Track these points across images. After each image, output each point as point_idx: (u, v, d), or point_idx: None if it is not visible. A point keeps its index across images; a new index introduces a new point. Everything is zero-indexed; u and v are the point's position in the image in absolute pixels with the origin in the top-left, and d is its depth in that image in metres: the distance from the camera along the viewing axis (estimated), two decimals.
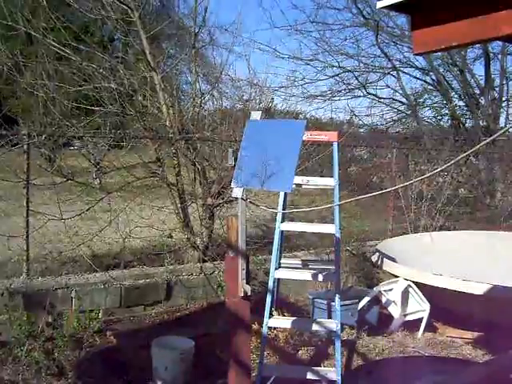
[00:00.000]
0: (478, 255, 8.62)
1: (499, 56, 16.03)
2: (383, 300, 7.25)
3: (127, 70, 8.01)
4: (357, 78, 15.59)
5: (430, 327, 7.20)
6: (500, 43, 14.65)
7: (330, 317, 6.91)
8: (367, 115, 16.56)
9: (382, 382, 4.14)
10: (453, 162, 3.33)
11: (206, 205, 8.17)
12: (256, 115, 4.04)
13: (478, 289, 6.32)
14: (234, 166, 3.76)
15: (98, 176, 9.94)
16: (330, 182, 5.41)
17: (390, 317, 7.20)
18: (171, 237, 8.19)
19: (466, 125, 16.69)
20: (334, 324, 5.34)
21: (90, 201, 7.79)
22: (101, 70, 7.96)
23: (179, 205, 8.23)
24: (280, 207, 5.46)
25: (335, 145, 5.46)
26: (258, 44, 16.57)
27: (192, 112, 8.41)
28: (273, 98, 8.97)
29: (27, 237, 6.85)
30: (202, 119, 8.54)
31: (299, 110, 15.18)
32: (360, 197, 3.59)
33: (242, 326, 4.10)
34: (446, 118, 16.99)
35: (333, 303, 6.74)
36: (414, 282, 7.05)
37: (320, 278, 5.42)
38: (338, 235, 5.40)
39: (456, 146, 14.49)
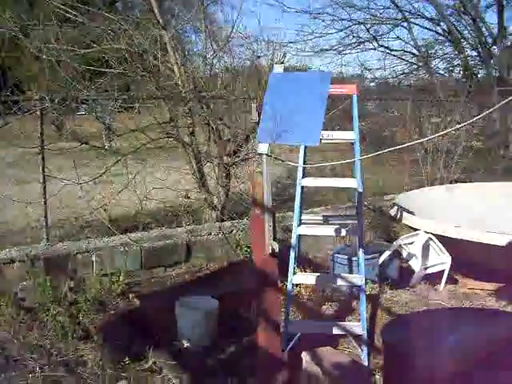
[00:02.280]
0: (494, 207, 8.53)
1: None
2: (403, 254, 7.20)
3: (136, 31, 7.84)
4: (368, 30, 15.30)
5: (451, 280, 7.17)
6: None
7: (350, 272, 6.90)
8: (378, 68, 16.28)
9: (409, 335, 4.09)
10: (476, 118, 3.21)
11: (221, 164, 8.10)
12: (278, 68, 3.92)
13: (500, 240, 6.25)
14: (258, 121, 3.66)
15: (109, 139, 9.89)
16: (351, 135, 5.31)
17: (411, 270, 7.16)
18: (188, 197, 8.15)
19: (479, 75, 16.39)
20: (358, 278, 5.30)
21: (103, 165, 7.73)
22: (108, 31, 7.81)
23: (195, 165, 8.17)
24: (301, 162, 5.36)
25: (355, 97, 5.34)
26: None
27: (203, 70, 8.27)
28: (285, 53, 8.77)
29: (45, 203, 6.81)
30: (214, 77, 8.39)
31: (309, 64, 14.98)
32: (384, 150, 3.48)
33: (270, 283, 4.06)
34: (458, 69, 16.70)
35: (354, 258, 6.76)
36: (434, 234, 6.98)
37: (343, 232, 5.37)
38: (360, 189, 5.32)
39: (469, 97, 14.25)
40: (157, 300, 6.43)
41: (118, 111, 9.26)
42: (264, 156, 3.76)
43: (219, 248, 7.70)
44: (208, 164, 8.25)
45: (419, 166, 10.88)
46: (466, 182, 10.86)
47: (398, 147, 4.14)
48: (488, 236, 6.32)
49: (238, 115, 8.11)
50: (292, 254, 5.24)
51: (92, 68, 7.94)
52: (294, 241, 5.30)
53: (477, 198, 8.99)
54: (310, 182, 5.49)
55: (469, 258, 7.16)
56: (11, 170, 12.52)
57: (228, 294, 6.32)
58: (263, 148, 3.57)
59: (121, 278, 6.80)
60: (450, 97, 14.23)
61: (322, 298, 6.44)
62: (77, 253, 6.72)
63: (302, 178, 5.38)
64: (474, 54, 16.29)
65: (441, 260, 7.05)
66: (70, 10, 7.91)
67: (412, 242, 7.11)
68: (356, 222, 5.55)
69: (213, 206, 8.07)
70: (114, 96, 7.42)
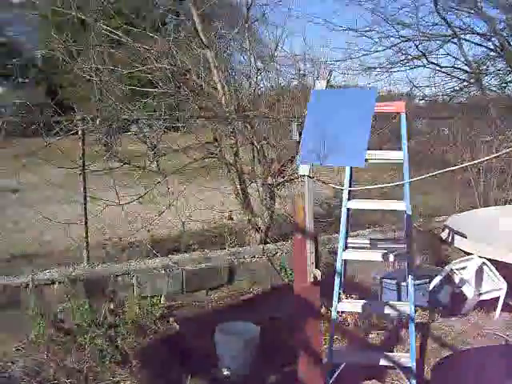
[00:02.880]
0: None
1: None
2: (455, 279, 6.84)
3: (180, 50, 7.77)
4: (417, 47, 14.92)
5: (505, 307, 6.76)
6: None
7: (399, 298, 6.60)
8: (427, 86, 15.86)
9: (464, 377, 3.79)
10: None
11: (266, 184, 7.92)
12: (321, 85, 3.72)
13: None
14: (299, 141, 3.45)
15: (154, 159, 9.83)
16: (399, 155, 5.04)
17: (463, 296, 6.79)
18: (232, 219, 7.99)
19: None
20: (407, 306, 5.01)
21: (147, 185, 7.66)
22: (153, 51, 7.77)
23: (238, 185, 8.02)
24: (346, 184, 5.13)
25: (403, 116, 5.08)
26: (311, 17, 15.93)
27: (247, 89, 8.14)
28: (331, 71, 8.55)
29: (86, 223, 6.76)
30: (258, 97, 8.25)
31: (357, 83, 14.71)
32: (435, 172, 3.23)
33: (312, 313, 3.83)
34: None
35: (403, 283, 6.45)
36: (488, 259, 6.62)
37: (391, 258, 5.09)
38: (409, 212, 5.04)
39: None
40: (197, 324, 6.25)
41: (164, 131, 9.20)
42: (306, 178, 3.55)
43: (263, 271, 7.50)
44: (252, 185, 8.07)
45: (471, 186, 10.48)
46: None
47: (454, 168, 3.89)
48: None
49: (282, 135, 7.92)
50: (337, 280, 4.99)
51: (135, 87, 7.88)
52: (338, 266, 5.05)
53: None
54: (357, 204, 5.24)
55: None
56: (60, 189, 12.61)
57: (270, 320, 6.11)
58: (304, 169, 3.36)
59: (161, 301, 6.67)
60: (503, 115, 13.73)
61: (368, 325, 6.15)
62: (117, 275, 6.62)
63: (348, 199, 5.13)
64: None
65: (496, 286, 6.67)
66: (115, 32, 7.90)
67: (465, 267, 6.75)
68: (405, 245, 5.28)
69: (257, 228, 7.88)
70: (156, 116, 7.33)
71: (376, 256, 5.17)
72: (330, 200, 11.16)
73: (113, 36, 8.02)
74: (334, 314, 5.01)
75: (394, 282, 6.69)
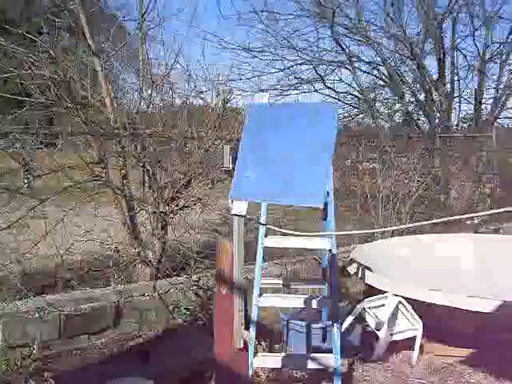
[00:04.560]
0: (452, 261, 7.92)
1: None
2: (367, 318, 6.30)
3: (63, 56, 6.75)
4: (315, 70, 14.69)
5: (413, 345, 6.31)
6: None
7: (309, 341, 5.95)
8: None
9: None
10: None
11: (157, 212, 7.03)
12: (262, 97, 2.95)
13: (488, 306, 5.47)
14: (232, 169, 2.68)
15: (27, 179, 8.62)
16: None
17: (373, 335, 6.26)
18: (118, 251, 6.99)
19: (419, 122, 16.08)
20: (332, 360, 4.35)
21: (17, 208, 6.53)
22: (31, 56, 6.69)
23: (127, 212, 7.07)
24: (263, 219, 4.39)
25: None
26: (203, 34, 15.14)
27: (139, 105, 7.26)
28: (231, 90, 7.87)
29: None
30: (151, 114, 7.38)
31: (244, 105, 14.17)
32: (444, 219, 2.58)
33: None
34: (399, 114, 16.35)
35: (314, 325, 5.85)
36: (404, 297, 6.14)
37: (314, 304, 4.42)
38: (334, 251, 4.41)
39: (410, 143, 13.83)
40: (79, 381, 5.24)
41: (37, 148, 8.04)
42: (236, 218, 2.77)
43: (154, 311, 6.58)
44: (142, 212, 7.16)
45: (366, 215, 10.19)
46: (416, 233, 10.23)
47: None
48: (474, 301, 5.55)
49: (178, 157, 7.11)
50: (252, 333, 4.20)
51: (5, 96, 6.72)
52: (254, 315, 4.25)
53: (434, 250, 8.36)
54: (274, 242, 4.51)
55: (435, 322, 6.36)
56: None
57: (166, 373, 5.22)
58: (240, 207, 2.58)
59: (34, 351, 5.58)
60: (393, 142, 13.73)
61: (283, 379, 5.38)
62: None
63: (265, 236, 4.39)
64: (414, 99, 15.96)
65: (411, 326, 6.19)
66: None
67: (379, 306, 6.22)
68: (321, 285, 4.66)
69: (147, 262, 6.95)
70: (31, 131, 6.26)
71: (296, 302, 4.48)
72: (220, 227, 10.43)
73: None
74: (250, 372, 4.23)
75: (302, 323, 6.02)
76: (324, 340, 5.82)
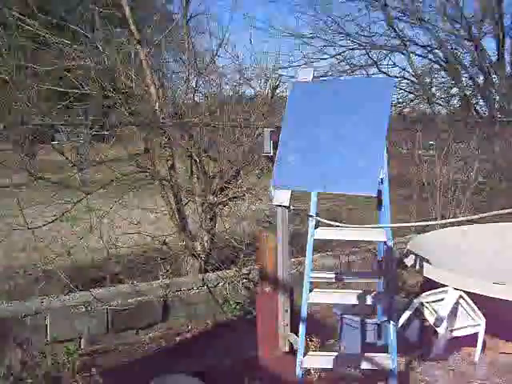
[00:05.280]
0: None
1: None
2: (426, 313, 5.96)
3: (108, 45, 6.62)
4: (369, 55, 14.26)
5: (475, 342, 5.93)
6: None
7: (364, 337, 5.66)
8: None
9: None
10: None
11: (206, 203, 6.84)
12: (306, 74, 2.66)
13: None
14: (273, 156, 2.42)
15: (76, 173, 8.57)
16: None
17: (432, 331, 5.91)
18: (166, 243, 6.84)
19: (477, 106, 15.42)
20: (387, 360, 4.06)
21: (66, 202, 6.44)
22: (76, 47, 6.58)
23: (174, 204, 6.91)
24: (313, 210, 4.11)
25: None
26: (253, 21, 14.81)
27: (185, 94, 7.07)
28: (280, 75, 7.60)
29: None
30: (197, 103, 7.19)
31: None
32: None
33: None
34: (457, 98, 15.69)
35: (369, 321, 5.56)
36: (465, 291, 5.77)
37: (368, 300, 4.13)
38: (390, 243, 4.11)
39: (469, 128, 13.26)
40: (125, 377, 5.11)
41: (90, 142, 7.95)
42: (280, 209, 2.52)
43: (203, 305, 6.42)
44: (190, 203, 6.98)
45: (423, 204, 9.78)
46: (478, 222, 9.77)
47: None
48: None
49: (226, 147, 6.90)
50: (302, 328, 3.94)
51: (53, 88, 6.61)
52: (303, 312, 3.98)
53: (495, 240, 7.90)
54: (327, 233, 4.23)
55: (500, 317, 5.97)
56: None
57: (214, 369, 5.03)
58: (282, 197, 2.33)
59: (81, 345, 5.50)
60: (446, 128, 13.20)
61: (336, 378, 5.11)
62: (25, 315, 5.38)
63: (315, 228, 4.11)
64: (471, 83, 15.32)
65: (472, 322, 5.82)
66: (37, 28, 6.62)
67: (438, 300, 5.87)
68: (376, 279, 4.36)
69: (195, 254, 6.78)
70: (75, 122, 6.14)
71: (350, 298, 4.21)
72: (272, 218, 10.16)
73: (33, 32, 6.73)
74: (298, 372, 3.98)
75: (356, 319, 5.73)
76: (379, 336, 5.52)
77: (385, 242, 4.23)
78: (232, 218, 7.12)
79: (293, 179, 2.26)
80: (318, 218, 2.72)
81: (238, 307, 6.47)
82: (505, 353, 5.94)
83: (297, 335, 2.85)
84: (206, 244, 6.88)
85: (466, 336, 5.84)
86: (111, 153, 6.99)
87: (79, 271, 6.74)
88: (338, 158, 2.20)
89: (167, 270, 6.52)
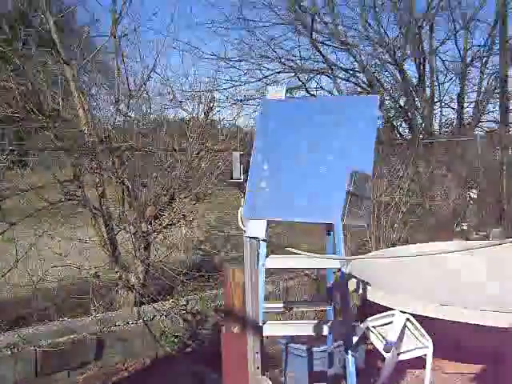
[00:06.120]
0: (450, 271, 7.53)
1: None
2: (372, 338, 5.82)
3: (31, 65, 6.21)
4: (298, 77, 14.30)
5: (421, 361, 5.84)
6: None
7: (311, 368, 5.45)
8: None
9: None
10: None
11: (139, 232, 6.49)
12: (277, 92, 2.41)
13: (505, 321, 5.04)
14: (245, 181, 2.18)
15: None
16: None
17: (378, 355, 5.78)
18: (97, 276, 6.41)
19: (400, 128, 15.76)
20: None
21: None
22: None
23: (105, 234, 6.51)
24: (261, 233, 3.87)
25: None
26: (177, 43, 14.49)
27: (115, 117, 6.73)
28: (214, 97, 7.38)
29: None
30: (128, 128, 6.85)
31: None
32: None
33: None
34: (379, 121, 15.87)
35: (316, 349, 5.36)
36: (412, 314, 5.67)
37: (325, 330, 3.93)
38: (345, 269, 3.94)
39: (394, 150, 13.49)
40: None
41: (8, 167, 7.42)
42: (247, 241, 2.27)
43: (139, 340, 6.04)
44: (122, 233, 6.61)
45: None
46: (408, 242, 9.82)
47: None
48: (493, 316, 5.12)
49: (159, 172, 6.59)
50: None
51: None
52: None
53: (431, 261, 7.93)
54: (277, 262, 4.01)
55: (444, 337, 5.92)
56: None
57: None
58: (256, 228, 2.08)
59: None
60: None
61: None
62: None
63: (267, 256, 3.88)
64: (395, 105, 15.63)
65: (420, 345, 5.71)
66: None
67: (384, 324, 5.74)
68: (325, 307, 4.18)
69: (129, 286, 6.39)
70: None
71: (305, 328, 3.99)
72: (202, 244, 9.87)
73: None
74: None
75: (303, 347, 5.52)
76: (330, 365, 5.33)
77: (339, 269, 4.06)
78: (167, 246, 6.79)
79: (267, 208, 2.02)
80: (291, 249, 2.50)
81: (176, 340, 6.14)
82: (450, 373, 5.90)
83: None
84: (140, 275, 6.50)
85: (413, 359, 5.75)
86: (34, 180, 6.55)
87: (1, 310, 6.21)
88: (315, 184, 1.99)
89: (100, 305, 6.10)
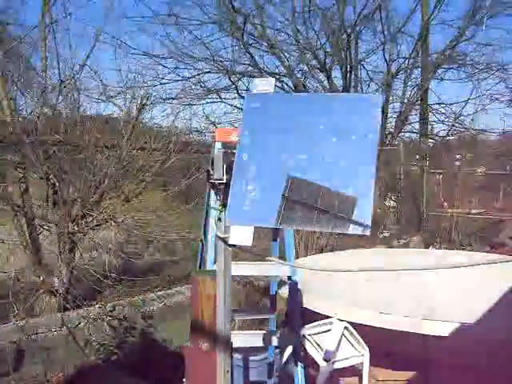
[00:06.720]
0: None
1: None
2: (307, 346, 5.68)
3: None
4: (230, 79, 14.06)
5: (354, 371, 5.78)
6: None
7: (247, 376, 5.25)
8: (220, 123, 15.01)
9: None
10: None
11: (64, 233, 6.08)
12: (264, 85, 2.13)
13: (443, 330, 5.03)
14: (227, 182, 1.93)
15: None
16: None
17: (313, 364, 5.66)
18: (18, 279, 5.95)
19: None
20: None
21: None
22: None
23: (27, 234, 6.06)
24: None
25: None
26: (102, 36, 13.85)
27: (42, 108, 6.29)
28: (149, 94, 7.06)
29: None
30: (56, 120, 6.43)
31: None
32: None
33: None
34: None
35: (252, 357, 5.18)
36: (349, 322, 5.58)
37: (274, 341, 3.73)
38: (296, 277, 3.77)
39: None
40: None
41: None
42: (222, 248, 2.03)
43: (62, 349, 5.62)
44: (47, 233, 6.18)
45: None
46: (334, 249, 9.80)
47: None
48: (430, 325, 5.10)
49: (88, 169, 6.21)
50: None
51: None
52: None
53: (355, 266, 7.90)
54: (235, 270, 3.75)
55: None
56: None
57: None
58: (241, 235, 1.83)
59: None
60: None
61: None
62: None
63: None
64: None
65: (357, 353, 5.63)
66: None
67: (321, 332, 5.62)
68: (268, 315, 3.99)
69: (52, 291, 5.96)
70: None
71: (255, 340, 3.77)
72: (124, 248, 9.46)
73: None
74: None
75: (239, 356, 5.30)
76: (269, 375, 5.14)
77: (289, 277, 3.87)
78: (94, 248, 6.41)
79: (255, 213, 1.78)
80: (272, 258, 2.25)
81: (102, 349, 5.77)
82: (384, 380, 5.87)
83: None
84: (64, 278, 6.09)
85: (347, 367, 5.67)
86: None
87: None
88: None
89: (20, 310, 5.65)
